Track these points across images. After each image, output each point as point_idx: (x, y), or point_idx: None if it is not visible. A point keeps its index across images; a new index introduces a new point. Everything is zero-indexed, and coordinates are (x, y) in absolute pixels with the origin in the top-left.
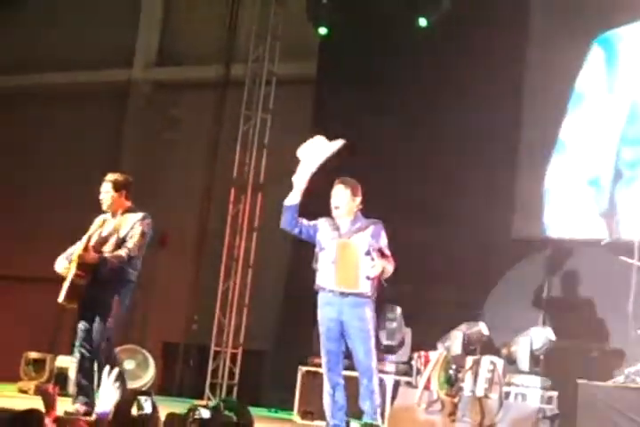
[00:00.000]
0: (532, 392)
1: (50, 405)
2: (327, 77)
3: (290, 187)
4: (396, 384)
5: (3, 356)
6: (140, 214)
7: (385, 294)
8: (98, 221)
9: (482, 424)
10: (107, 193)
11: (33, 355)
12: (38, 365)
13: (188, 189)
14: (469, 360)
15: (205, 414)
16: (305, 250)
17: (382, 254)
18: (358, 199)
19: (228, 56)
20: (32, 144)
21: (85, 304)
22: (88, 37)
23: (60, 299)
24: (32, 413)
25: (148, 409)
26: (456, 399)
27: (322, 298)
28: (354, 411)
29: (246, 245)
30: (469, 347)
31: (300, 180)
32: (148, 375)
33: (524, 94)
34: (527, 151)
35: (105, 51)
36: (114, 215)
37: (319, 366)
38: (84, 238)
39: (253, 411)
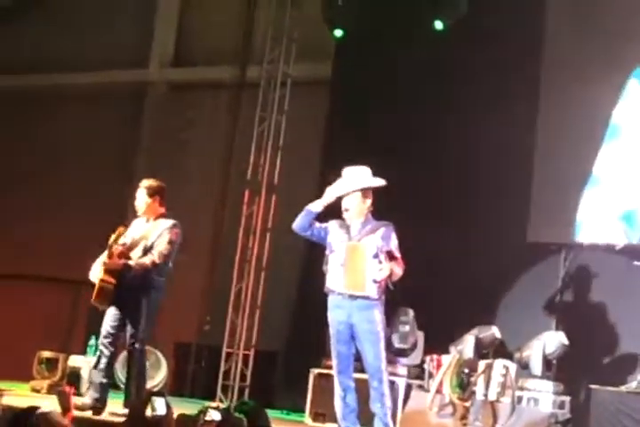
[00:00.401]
0: (544, 397)
1: (66, 405)
2: (342, 79)
3: (303, 188)
4: (408, 388)
5: (16, 355)
6: (169, 222)
7: (398, 297)
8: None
9: None
10: (141, 199)
11: (46, 354)
12: (51, 364)
13: (203, 189)
14: (482, 364)
15: (216, 416)
16: (318, 252)
17: (391, 257)
18: (369, 201)
19: (244, 57)
20: (48, 144)
21: (115, 306)
22: (104, 38)
23: (92, 299)
24: (31, 410)
25: (161, 410)
26: (468, 403)
27: (332, 301)
28: (366, 414)
29: (259, 247)
30: (482, 351)
31: (333, 194)
32: (160, 376)
33: (541, 94)
34: (543, 152)
35: (121, 51)
36: (147, 221)
37: (331, 368)
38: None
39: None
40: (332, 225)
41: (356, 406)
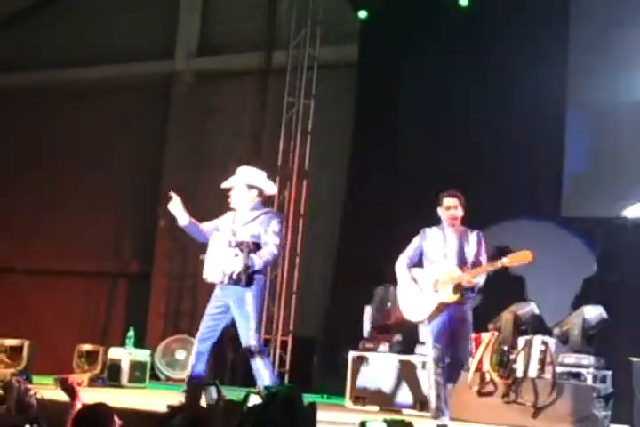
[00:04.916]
0: (585, 372)
1: (71, 392)
2: (369, 61)
3: (335, 173)
4: None
5: (55, 349)
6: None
7: None
8: None
9: (535, 405)
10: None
11: (85, 347)
12: (91, 357)
13: None
14: (521, 341)
15: (257, 401)
16: (352, 237)
17: (256, 248)
18: (254, 192)
19: (269, 43)
20: (76, 138)
21: None
22: (128, 30)
23: None
24: (99, 407)
25: (214, 396)
26: (509, 381)
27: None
28: None
29: (293, 233)
30: (521, 327)
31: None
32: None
33: (569, 68)
34: (574, 125)
35: (146, 43)
36: None
37: (369, 349)
38: None
39: (305, 398)
40: (223, 218)
41: (203, 373)
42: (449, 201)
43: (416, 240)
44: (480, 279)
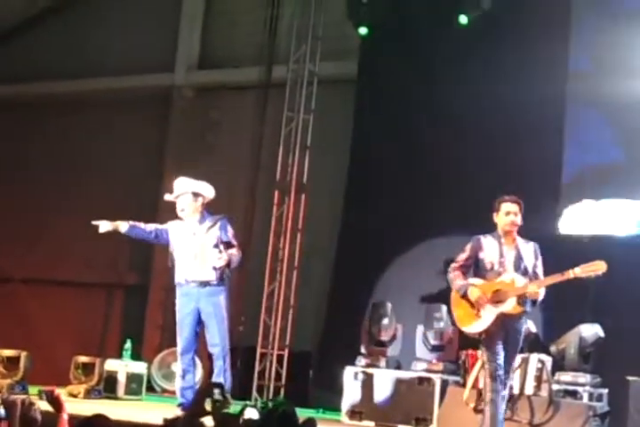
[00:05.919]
0: (581, 390)
1: (57, 406)
2: (369, 76)
3: (333, 187)
4: (445, 384)
5: (52, 360)
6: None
7: (432, 294)
8: None
9: (531, 423)
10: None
11: (82, 359)
12: (87, 368)
13: (232, 191)
14: (518, 359)
15: (253, 414)
16: (350, 251)
17: (229, 246)
18: (200, 199)
19: (269, 58)
20: (76, 149)
21: None
22: (129, 43)
23: None
24: (98, 418)
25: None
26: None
27: (181, 290)
28: None
29: (291, 247)
30: None
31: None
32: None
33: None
34: (572, 129)
35: (147, 56)
36: None
37: (366, 365)
38: None
39: (301, 412)
40: (172, 225)
41: (194, 384)
42: (509, 206)
43: (469, 248)
44: (543, 291)
